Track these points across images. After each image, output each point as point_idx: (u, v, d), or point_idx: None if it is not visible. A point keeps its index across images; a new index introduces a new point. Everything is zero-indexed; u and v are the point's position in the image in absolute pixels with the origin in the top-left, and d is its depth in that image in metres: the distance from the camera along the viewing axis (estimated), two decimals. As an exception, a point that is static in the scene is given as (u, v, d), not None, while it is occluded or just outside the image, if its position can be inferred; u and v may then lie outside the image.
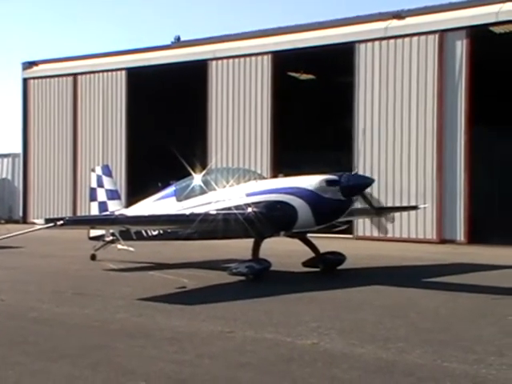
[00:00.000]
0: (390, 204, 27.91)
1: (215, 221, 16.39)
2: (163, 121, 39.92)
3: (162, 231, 18.69)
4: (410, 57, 29.07)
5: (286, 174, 18.08)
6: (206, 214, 16.65)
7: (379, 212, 20.71)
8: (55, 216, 33.86)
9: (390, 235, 28.72)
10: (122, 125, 38.06)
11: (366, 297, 14.16)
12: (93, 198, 22.08)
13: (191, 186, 18.64)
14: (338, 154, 31.55)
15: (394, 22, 29.82)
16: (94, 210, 21.79)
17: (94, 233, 20.83)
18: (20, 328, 11.17)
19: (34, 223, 16.16)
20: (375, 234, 29.08)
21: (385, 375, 8.32)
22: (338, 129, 34.97)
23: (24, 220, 40.80)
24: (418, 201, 27.47)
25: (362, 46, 30.26)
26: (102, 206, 21.51)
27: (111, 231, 19.66)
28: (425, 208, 26.24)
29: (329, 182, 16.27)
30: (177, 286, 15.51)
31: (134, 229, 17.96)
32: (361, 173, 20.24)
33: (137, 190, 26.81)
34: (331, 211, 16.60)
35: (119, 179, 34.81)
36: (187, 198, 18.50)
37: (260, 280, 16.40)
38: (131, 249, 19.09)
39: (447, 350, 9.46)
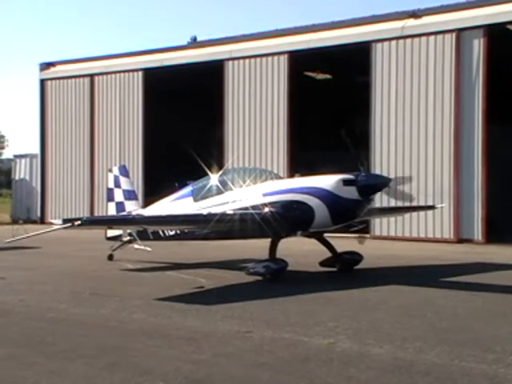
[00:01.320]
0: (406, 203, 27.81)
1: (232, 221, 16.40)
2: (180, 121, 39.98)
3: (178, 231, 18.73)
4: (426, 56, 28.94)
5: (303, 174, 18.06)
6: (223, 214, 16.65)
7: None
8: (73, 216, 33.96)
9: (407, 235, 28.66)
10: (138, 125, 38.12)
11: (383, 297, 14.13)
12: (110, 198, 22.15)
13: (208, 186, 18.65)
14: (354, 153, 31.42)
15: (411, 21, 29.70)
16: (112, 210, 21.85)
17: (112, 233, 20.87)
18: (38, 328, 11.23)
19: (51, 223, 16.19)
20: (392, 233, 29.02)
21: (402, 375, 8.30)
22: (355, 128, 34.89)
23: (42, 220, 40.99)
24: (435, 200, 27.34)
25: (379, 45, 30.15)
26: (120, 207, 21.57)
27: (128, 231, 19.70)
28: (442, 207, 26.12)
29: (346, 182, 16.24)
30: (194, 286, 15.53)
31: (151, 229, 17.97)
32: (378, 172, 20.20)
33: (154, 190, 26.90)
34: (348, 211, 16.56)
35: (136, 179, 34.87)
36: (204, 198, 18.52)
37: (277, 280, 16.39)
38: (148, 249, 19.11)
39: (465, 349, 9.43)
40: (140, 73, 38.01)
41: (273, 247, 17.18)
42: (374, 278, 17.14)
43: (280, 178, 19.47)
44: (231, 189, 17.99)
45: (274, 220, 16.55)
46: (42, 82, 42.55)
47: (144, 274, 18.56)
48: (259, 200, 17.18)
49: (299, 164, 29.83)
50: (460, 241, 27.64)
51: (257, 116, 33.68)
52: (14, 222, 35.28)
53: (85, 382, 8.27)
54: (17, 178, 45.98)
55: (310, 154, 35.01)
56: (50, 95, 42.15)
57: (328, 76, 40.91)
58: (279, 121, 32.89)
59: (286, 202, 16.87)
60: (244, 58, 34.15)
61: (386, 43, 30.04)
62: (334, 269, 18.24)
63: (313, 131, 38.91)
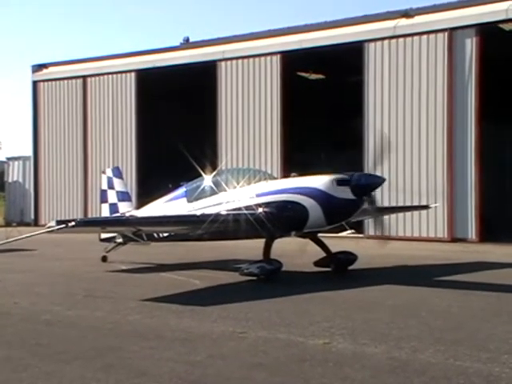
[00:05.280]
0: (400, 203, 27.85)
1: (226, 221, 16.40)
2: (173, 122, 39.96)
3: (172, 232, 18.69)
4: (419, 55, 28.99)
5: (299, 174, 18.02)
6: (217, 215, 16.64)
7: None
8: (66, 218, 33.92)
9: (401, 234, 28.66)
10: (131, 126, 38.08)
11: (377, 296, 14.14)
12: (103, 199, 22.13)
13: (202, 187, 18.64)
14: (348, 153, 31.47)
15: (403, 21, 29.74)
16: (105, 211, 21.84)
17: (105, 234, 20.85)
18: (33, 330, 11.20)
19: (48, 227, 16.02)
20: (386, 233, 28.99)
21: (397, 375, 8.30)
22: (348, 128, 34.96)
23: (36, 223, 40.90)
24: (429, 200, 27.37)
25: (371, 45, 30.19)
26: (113, 208, 21.55)
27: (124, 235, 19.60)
28: (436, 207, 26.14)
29: (339, 182, 16.24)
30: (188, 287, 15.52)
31: (145, 230, 17.94)
32: (371, 172, 20.19)
33: (147, 192, 26.86)
34: (342, 211, 16.56)
35: (130, 181, 34.84)
36: (198, 199, 18.51)
37: (271, 280, 16.40)
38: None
39: (460, 348, 9.44)
40: (133, 74, 37.98)
41: (267, 248, 17.17)
42: (368, 277, 17.15)
43: (274, 178, 19.45)
44: (225, 189, 17.98)
45: (268, 220, 16.55)
46: (35, 83, 42.45)
47: (138, 275, 18.55)
48: (253, 200, 17.17)
49: (293, 164, 29.82)
50: (454, 240, 27.68)
51: (250, 116, 33.69)
52: (8, 224, 35.23)
53: (80, 383, 8.25)
54: (10, 180, 45.93)
55: (304, 154, 35.03)
56: (42, 97, 42.08)
57: (321, 76, 40.89)
58: (272, 121, 32.90)
59: (280, 202, 16.87)
60: (237, 58, 34.16)
61: (378, 43, 30.09)
62: (329, 269, 18.24)
63: (306, 131, 38.91)
